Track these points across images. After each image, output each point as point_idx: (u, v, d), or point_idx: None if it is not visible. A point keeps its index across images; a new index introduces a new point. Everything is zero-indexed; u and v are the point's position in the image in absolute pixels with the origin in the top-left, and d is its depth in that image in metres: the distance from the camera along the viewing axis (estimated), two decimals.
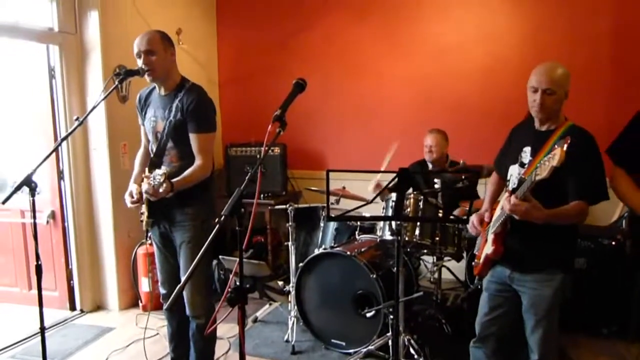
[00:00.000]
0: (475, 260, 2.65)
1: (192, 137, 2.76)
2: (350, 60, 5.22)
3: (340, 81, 5.27)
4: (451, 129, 4.21)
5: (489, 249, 2.46)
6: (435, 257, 3.99)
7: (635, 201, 2.32)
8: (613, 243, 3.71)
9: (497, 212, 2.48)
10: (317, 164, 5.43)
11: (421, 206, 3.37)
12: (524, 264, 2.39)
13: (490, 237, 2.48)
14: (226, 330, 3.83)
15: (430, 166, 4.11)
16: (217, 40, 5.77)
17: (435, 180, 3.77)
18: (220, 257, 3.71)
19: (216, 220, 1.75)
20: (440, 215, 3.50)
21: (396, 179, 2.20)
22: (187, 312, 2.90)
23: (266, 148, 1.93)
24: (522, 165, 2.43)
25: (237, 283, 1.84)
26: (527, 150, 2.43)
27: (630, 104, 4.25)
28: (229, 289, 1.81)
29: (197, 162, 2.76)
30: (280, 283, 4.26)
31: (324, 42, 5.29)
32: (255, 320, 4.11)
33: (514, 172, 2.47)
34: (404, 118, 5.06)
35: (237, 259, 1.85)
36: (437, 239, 3.44)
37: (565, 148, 1.92)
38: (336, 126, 5.36)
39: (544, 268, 2.36)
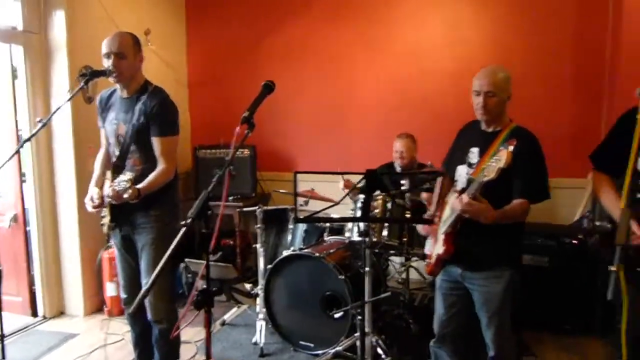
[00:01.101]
0: (427, 260, 2.71)
1: (155, 141, 2.74)
2: (321, 62, 5.24)
3: (311, 83, 5.28)
4: (421, 131, 4.27)
5: (440, 249, 2.51)
6: (403, 258, 4.04)
7: (605, 201, 2.37)
8: (575, 242, 3.81)
9: (447, 212, 2.53)
10: (288, 165, 5.43)
11: (389, 207, 3.41)
12: (474, 263, 2.46)
13: (441, 237, 2.53)
14: (193, 334, 3.80)
15: (398, 169, 4.16)
16: (187, 41, 5.72)
17: (402, 181, 3.81)
18: (186, 260, 3.67)
19: (182, 223, 1.74)
20: (408, 216, 3.54)
21: (363, 181, 2.23)
22: (149, 316, 2.87)
23: (234, 150, 1.93)
24: (470, 165, 2.50)
25: (204, 286, 1.84)
26: (475, 151, 2.49)
27: (592, 108, 4.44)
28: (196, 292, 1.81)
29: (161, 166, 2.74)
30: (249, 285, 4.24)
31: (295, 43, 5.29)
32: (223, 324, 4.08)
33: (462, 172, 2.54)
34: (374, 120, 5.10)
35: (204, 262, 1.85)
36: (405, 239, 3.49)
37: (510, 149, 1.97)
38: (307, 128, 5.37)
39: (493, 265, 2.44)
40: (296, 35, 5.28)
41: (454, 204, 2.30)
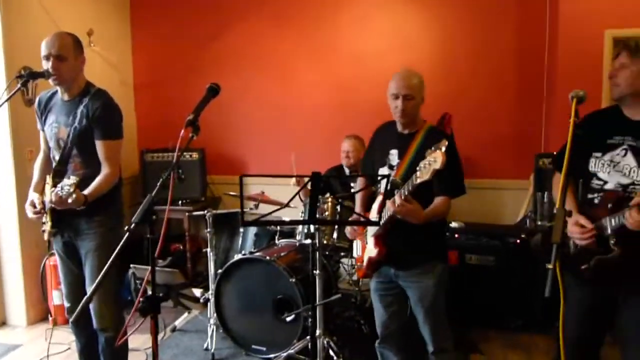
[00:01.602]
0: (358, 264, 2.76)
1: (99, 145, 2.67)
2: (270, 64, 5.22)
3: (260, 85, 5.26)
4: (367, 134, 4.30)
5: (372, 251, 2.56)
6: (354, 260, 4.06)
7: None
8: (518, 241, 3.94)
9: (373, 215, 2.58)
10: (237, 168, 5.38)
11: (338, 210, 3.43)
12: (406, 261, 2.53)
13: (371, 239, 2.58)
14: (143, 341, 3.71)
15: (347, 171, 4.19)
16: (132, 41, 5.59)
17: (352, 184, 3.84)
18: (132, 266, 3.58)
19: (125, 228, 1.71)
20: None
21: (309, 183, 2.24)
22: (94, 324, 2.78)
23: (179, 154, 1.90)
24: (390, 167, 2.57)
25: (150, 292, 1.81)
26: (394, 152, 2.57)
27: (533, 112, 4.61)
28: (141, 299, 1.77)
29: (105, 170, 2.67)
30: (200, 291, 4.18)
31: (243, 45, 5.26)
32: (173, 330, 4.02)
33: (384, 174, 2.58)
34: (324, 123, 5.12)
35: (149, 268, 1.82)
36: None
37: (443, 150, 2.03)
38: (256, 130, 5.34)
39: (424, 262, 2.52)
40: (244, 37, 5.25)
41: (388, 205, 2.32)
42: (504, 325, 3.93)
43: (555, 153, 2.53)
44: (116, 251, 1.72)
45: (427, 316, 2.55)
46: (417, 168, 2.11)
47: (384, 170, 2.59)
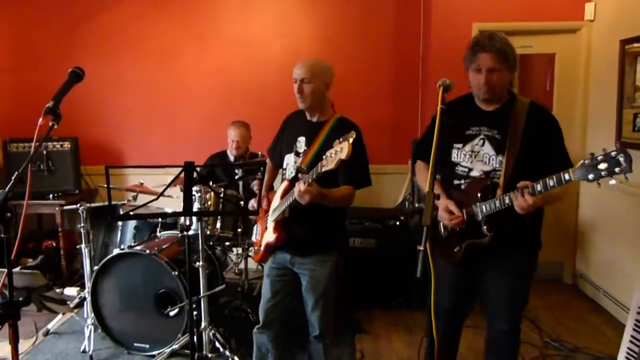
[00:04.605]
0: (255, 248, 2.76)
1: None
2: (148, 50, 4.99)
3: (138, 71, 5.01)
4: (251, 120, 4.28)
5: (271, 236, 2.57)
6: (241, 248, 4.02)
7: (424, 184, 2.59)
8: (397, 223, 4.11)
9: (276, 201, 2.59)
10: (116, 159, 5.12)
11: (221, 199, 3.37)
12: (304, 248, 2.55)
13: (271, 224, 2.59)
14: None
15: (232, 158, 4.11)
16: None
17: (237, 171, 3.78)
18: None
19: None
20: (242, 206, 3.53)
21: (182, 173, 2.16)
22: None
23: (37, 144, 1.74)
24: (297, 154, 2.58)
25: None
26: (302, 140, 2.58)
27: (409, 104, 4.85)
28: None
29: None
30: (76, 289, 3.93)
31: (120, 27, 4.96)
32: (47, 333, 3.73)
33: (289, 160, 2.61)
34: (206, 109, 5.01)
35: (5, 270, 1.66)
36: (240, 230, 3.47)
37: (351, 142, 2.06)
38: (136, 119, 5.09)
39: (322, 249, 2.56)
40: (121, 19, 4.95)
41: (295, 190, 2.29)
42: (387, 304, 4.09)
43: (415, 143, 2.66)
44: None
45: (317, 303, 2.58)
46: (324, 157, 2.11)
47: (290, 157, 2.59)
